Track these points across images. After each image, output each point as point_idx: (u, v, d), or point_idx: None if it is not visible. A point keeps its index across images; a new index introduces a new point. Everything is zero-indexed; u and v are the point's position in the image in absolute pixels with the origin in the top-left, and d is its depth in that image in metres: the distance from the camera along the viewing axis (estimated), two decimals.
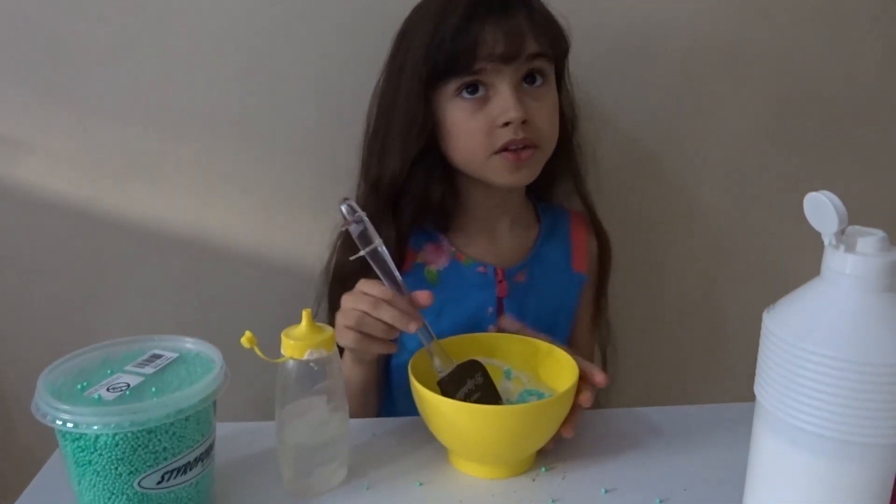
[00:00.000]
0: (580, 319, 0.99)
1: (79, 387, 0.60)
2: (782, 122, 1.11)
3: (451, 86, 0.82)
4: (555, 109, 0.86)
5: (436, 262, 0.91)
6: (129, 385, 0.61)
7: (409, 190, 0.86)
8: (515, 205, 0.94)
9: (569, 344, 0.95)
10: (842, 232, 0.45)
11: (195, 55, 1.01)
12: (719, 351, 1.21)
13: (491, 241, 0.93)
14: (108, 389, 0.60)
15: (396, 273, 0.72)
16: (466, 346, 0.79)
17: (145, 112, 1.03)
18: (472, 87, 0.82)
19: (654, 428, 0.79)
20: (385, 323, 0.71)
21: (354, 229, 0.71)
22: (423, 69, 0.81)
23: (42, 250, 1.07)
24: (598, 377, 0.73)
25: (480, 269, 0.91)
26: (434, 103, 0.84)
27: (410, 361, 0.73)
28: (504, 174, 0.84)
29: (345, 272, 0.86)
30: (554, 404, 0.69)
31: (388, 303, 0.71)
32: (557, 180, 0.95)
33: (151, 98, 1.02)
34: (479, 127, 0.82)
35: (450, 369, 0.75)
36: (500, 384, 0.78)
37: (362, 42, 0.98)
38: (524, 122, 0.81)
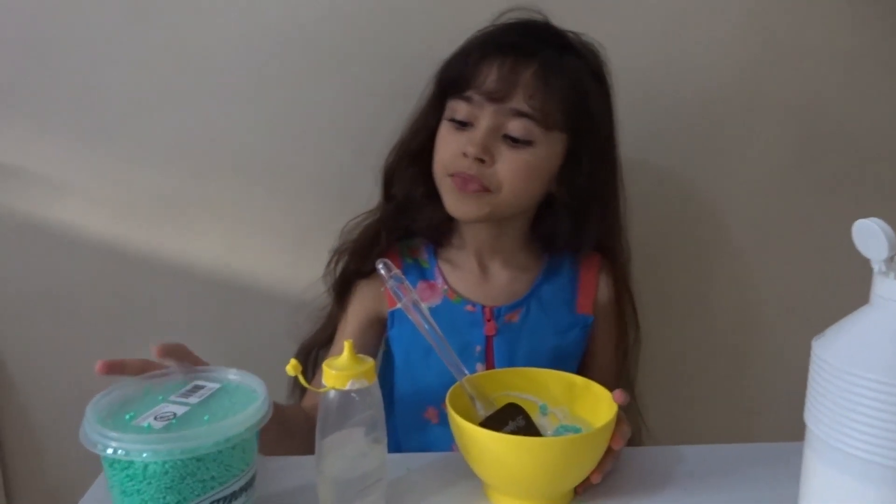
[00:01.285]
0: (599, 360, 0.99)
1: (127, 416, 0.61)
2: (804, 162, 1.13)
3: (449, 106, 0.87)
4: (529, 170, 0.84)
5: (429, 299, 0.93)
6: (175, 414, 0.61)
7: (415, 206, 0.91)
8: (508, 245, 0.94)
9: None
10: (891, 259, 0.46)
11: (225, 98, 1.05)
12: (748, 389, 1.21)
13: (483, 279, 0.94)
14: (155, 418, 0.60)
15: (432, 324, 0.74)
16: (501, 380, 0.79)
17: (177, 154, 1.06)
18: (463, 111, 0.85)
19: (689, 466, 0.78)
20: None
21: (392, 285, 0.73)
22: (435, 83, 0.88)
23: (77, 290, 1.09)
24: (618, 395, 0.73)
25: (469, 307, 0.92)
26: (440, 118, 0.89)
27: (448, 395, 0.73)
28: (451, 199, 0.87)
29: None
30: (596, 436, 0.69)
31: None
32: (564, 236, 0.93)
33: (183, 140, 1.06)
34: (449, 147, 0.86)
35: (491, 411, 0.75)
36: (536, 419, 0.78)
37: (392, 85, 1.01)
38: (483, 160, 0.83)
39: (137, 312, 1.11)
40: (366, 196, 0.98)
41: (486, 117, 0.83)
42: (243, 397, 0.65)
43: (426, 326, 0.74)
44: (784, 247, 1.15)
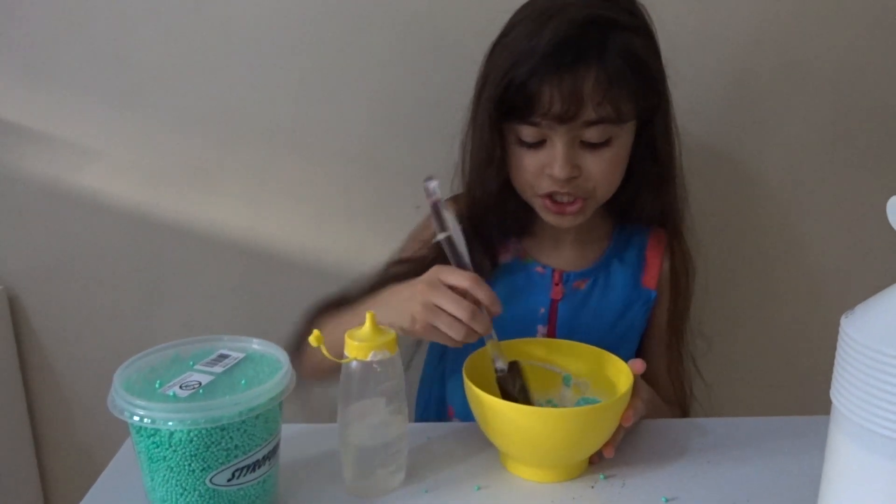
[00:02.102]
0: (656, 337, 0.97)
1: (157, 385, 0.62)
2: (841, 133, 1.10)
3: (513, 129, 0.83)
4: (615, 164, 0.83)
5: (501, 255, 0.93)
6: (200, 383, 0.62)
7: (494, 204, 0.88)
8: (582, 226, 0.93)
9: (653, 361, 0.94)
10: None
11: (253, 67, 1.04)
12: (783, 362, 1.19)
13: (555, 245, 0.94)
14: (181, 387, 0.61)
15: (467, 261, 0.73)
16: (526, 349, 0.79)
17: (204, 122, 1.06)
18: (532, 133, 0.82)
19: (715, 438, 0.78)
20: (462, 326, 0.71)
21: (434, 208, 0.72)
22: (491, 107, 0.82)
23: (104, 256, 1.11)
24: (635, 364, 0.73)
25: (539, 269, 0.92)
26: (505, 129, 0.84)
27: (465, 364, 0.74)
28: (548, 216, 0.86)
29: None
30: (607, 408, 0.69)
31: (472, 311, 0.70)
32: (644, 208, 0.92)
33: (210, 108, 1.06)
34: (529, 167, 0.83)
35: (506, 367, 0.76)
36: (560, 391, 0.79)
37: (416, 53, 1.00)
38: (574, 178, 0.81)
39: (164, 278, 1.12)
40: (390, 163, 0.98)
41: (559, 136, 0.80)
42: (267, 367, 0.66)
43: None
44: (817, 220, 1.13)
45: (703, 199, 1.11)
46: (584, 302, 0.92)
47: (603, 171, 0.82)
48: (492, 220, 0.89)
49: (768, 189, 1.12)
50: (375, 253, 1.01)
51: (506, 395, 0.75)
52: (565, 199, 0.83)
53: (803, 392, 1.16)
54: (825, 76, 1.07)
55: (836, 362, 0.50)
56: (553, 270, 0.92)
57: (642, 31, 0.82)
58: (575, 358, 0.79)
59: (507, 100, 0.80)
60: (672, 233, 0.95)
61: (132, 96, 1.05)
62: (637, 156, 0.86)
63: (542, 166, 0.82)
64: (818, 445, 0.53)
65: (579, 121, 0.78)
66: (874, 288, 0.50)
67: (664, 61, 0.84)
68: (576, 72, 0.77)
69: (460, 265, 0.73)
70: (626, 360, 0.78)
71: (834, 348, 0.50)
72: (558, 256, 0.94)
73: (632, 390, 0.71)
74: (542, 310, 0.91)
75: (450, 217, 0.72)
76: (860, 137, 1.10)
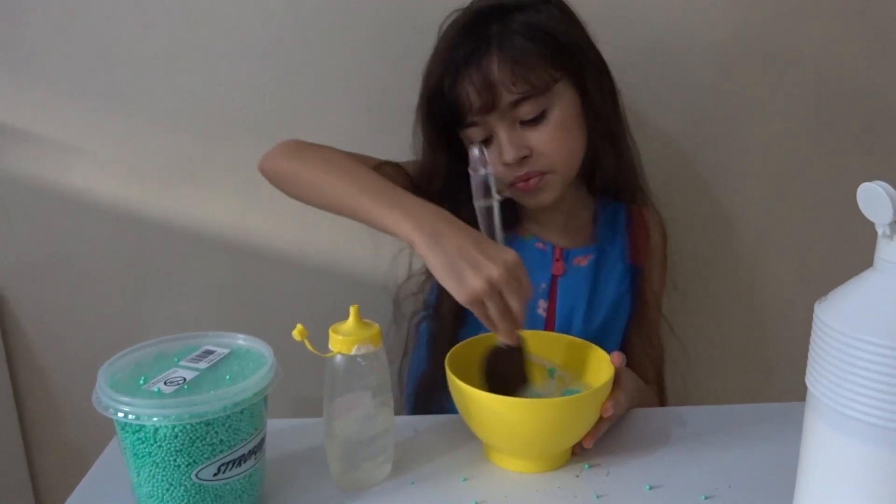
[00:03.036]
0: (641, 311, 0.99)
1: (141, 381, 0.62)
2: (822, 120, 1.10)
3: (464, 137, 0.87)
4: (561, 131, 0.85)
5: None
6: (185, 379, 0.62)
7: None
8: (569, 203, 0.95)
9: (640, 336, 0.98)
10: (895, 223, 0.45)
11: (239, 63, 1.04)
12: (760, 350, 1.21)
13: (552, 222, 0.96)
14: (165, 383, 0.61)
15: (500, 235, 0.74)
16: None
17: (191, 118, 1.06)
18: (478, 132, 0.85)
19: (697, 427, 0.79)
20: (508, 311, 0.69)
21: (475, 178, 0.73)
22: (428, 124, 0.88)
23: (91, 253, 1.11)
24: (615, 357, 0.74)
25: (539, 244, 0.94)
26: (463, 137, 0.88)
27: (448, 357, 0.74)
28: (524, 200, 0.90)
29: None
30: (586, 399, 0.69)
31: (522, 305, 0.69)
32: (610, 177, 0.95)
33: (197, 104, 1.05)
34: (491, 162, 0.84)
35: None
36: (545, 383, 0.79)
37: (404, 44, 1.00)
38: (525, 157, 0.84)
39: (151, 275, 1.12)
40: (376, 154, 0.97)
41: (497, 125, 0.84)
42: (252, 362, 0.66)
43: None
44: (796, 208, 1.14)
45: (684, 190, 1.12)
46: (583, 279, 0.93)
47: (549, 141, 0.85)
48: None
49: (745, 179, 1.13)
50: (364, 250, 1.01)
51: (499, 375, 0.75)
52: (526, 178, 0.86)
53: (780, 380, 1.17)
54: (806, 68, 1.08)
55: (810, 348, 0.51)
56: (554, 247, 0.94)
57: (545, 6, 0.85)
58: (560, 350, 0.80)
59: (439, 112, 0.85)
60: (637, 207, 0.97)
61: (118, 93, 1.04)
62: (586, 116, 0.89)
63: (499, 158, 0.85)
64: (795, 431, 0.54)
65: (503, 104, 0.82)
66: (852, 274, 0.51)
67: (585, 25, 0.88)
68: (479, 63, 0.81)
69: (491, 235, 0.73)
70: (618, 335, 0.79)
71: (809, 335, 0.51)
72: (554, 233, 0.95)
73: (614, 382, 0.72)
74: (543, 285, 0.93)
75: (494, 188, 0.73)
76: (839, 125, 1.11)
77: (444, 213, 0.70)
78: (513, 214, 0.94)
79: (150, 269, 1.11)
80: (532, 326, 0.81)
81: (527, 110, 0.83)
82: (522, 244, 0.94)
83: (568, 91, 0.86)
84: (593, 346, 0.78)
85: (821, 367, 0.49)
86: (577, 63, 0.86)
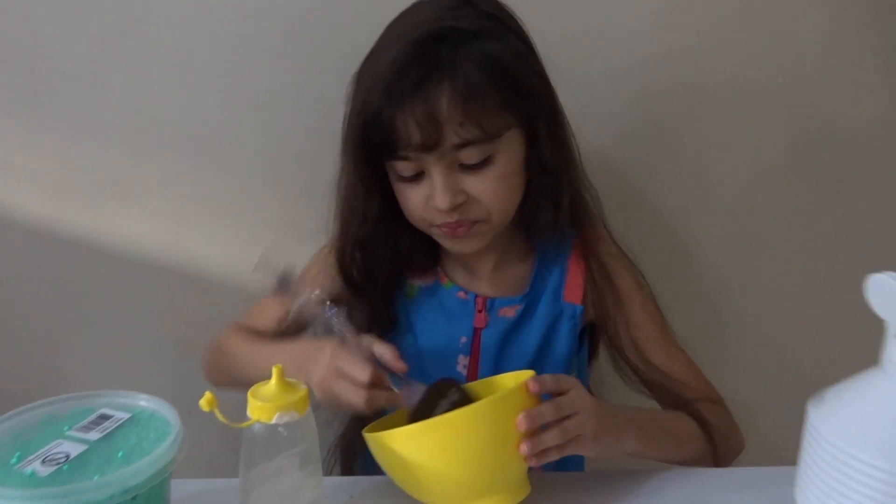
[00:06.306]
0: (647, 349, 0.86)
1: (14, 459, 0.52)
2: (794, 159, 1.03)
3: (389, 167, 0.77)
4: (503, 181, 0.77)
5: (421, 278, 0.86)
6: (68, 456, 0.53)
7: (379, 244, 0.81)
8: (503, 241, 0.86)
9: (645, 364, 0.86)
10: None
11: (175, 71, 0.96)
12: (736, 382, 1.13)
13: (476, 272, 0.87)
14: (43, 461, 0.52)
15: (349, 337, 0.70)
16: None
17: (120, 128, 0.98)
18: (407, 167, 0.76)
19: (656, 494, 0.71)
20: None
21: (327, 321, 0.70)
22: (355, 148, 0.77)
23: (8, 274, 1.01)
24: (532, 383, 0.64)
25: (461, 294, 0.85)
26: (386, 166, 0.78)
27: (367, 429, 0.66)
28: (448, 244, 0.81)
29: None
30: (490, 405, 0.61)
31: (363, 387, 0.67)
32: (543, 221, 0.84)
33: (128, 114, 0.97)
34: (415, 203, 0.77)
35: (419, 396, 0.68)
36: None
37: (352, 60, 0.91)
38: (460, 203, 0.75)
39: (77, 299, 1.03)
40: (322, 175, 0.89)
41: (433, 165, 0.74)
42: (154, 431, 0.57)
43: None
44: (770, 247, 1.06)
45: (650, 228, 1.04)
46: (511, 331, 0.84)
47: (489, 191, 0.76)
48: (382, 260, 0.82)
49: (717, 216, 1.05)
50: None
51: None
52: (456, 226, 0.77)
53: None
54: (777, 97, 1.01)
55: (800, 456, 0.43)
56: (476, 296, 0.85)
57: (503, 35, 0.75)
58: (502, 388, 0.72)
59: (367, 138, 0.74)
60: (585, 239, 0.87)
61: (39, 99, 0.95)
62: (530, 165, 0.79)
63: (427, 198, 0.76)
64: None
65: (446, 145, 0.72)
66: (830, 315, 0.43)
67: (545, 61, 0.78)
68: (426, 94, 0.70)
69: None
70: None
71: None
72: (480, 281, 0.86)
73: (530, 389, 0.63)
74: (464, 339, 0.84)
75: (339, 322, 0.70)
76: (814, 161, 1.03)
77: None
78: (431, 257, 0.86)
79: (75, 292, 1.02)
80: None
81: (470, 155, 0.73)
82: (442, 293, 0.85)
83: (517, 138, 0.77)
84: (520, 374, 0.70)
85: (811, 481, 0.41)
86: (534, 109, 0.77)
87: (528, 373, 0.68)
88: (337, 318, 0.70)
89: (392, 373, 0.68)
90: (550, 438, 0.63)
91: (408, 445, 0.61)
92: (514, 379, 0.71)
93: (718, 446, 0.80)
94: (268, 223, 1.01)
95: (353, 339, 0.69)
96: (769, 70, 0.99)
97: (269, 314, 0.88)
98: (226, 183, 1.00)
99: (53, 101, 0.96)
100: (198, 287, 1.02)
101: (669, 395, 0.86)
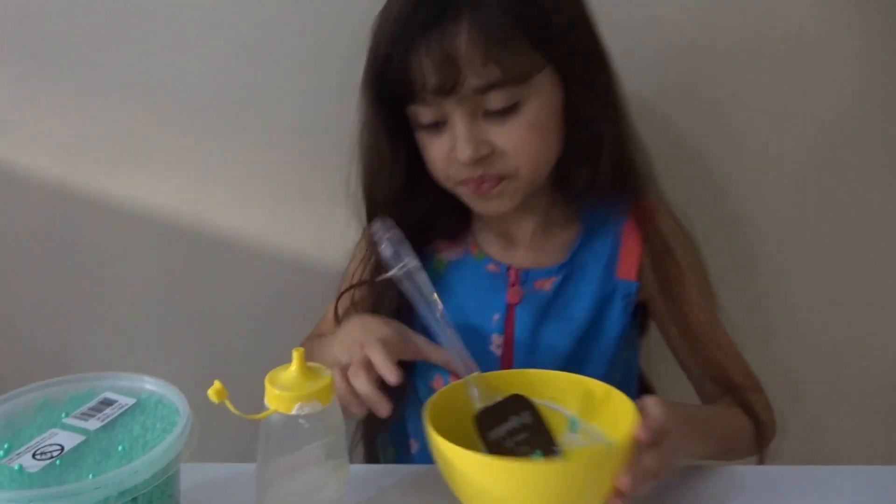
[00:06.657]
0: (690, 334, 0.79)
1: (3, 449, 0.47)
2: (850, 125, 0.93)
3: (409, 113, 0.71)
4: (532, 131, 0.69)
5: (448, 250, 0.80)
6: (62, 449, 0.47)
7: (405, 206, 0.75)
8: (543, 204, 0.78)
9: (691, 356, 0.80)
10: None
11: (189, 30, 0.91)
12: (777, 363, 1.04)
13: (510, 240, 0.79)
14: (34, 455, 0.46)
15: (434, 299, 0.63)
16: (516, 383, 0.64)
17: (137, 87, 0.92)
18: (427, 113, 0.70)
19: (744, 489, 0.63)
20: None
21: (385, 249, 0.64)
22: (372, 92, 0.71)
23: (21, 238, 0.96)
24: (643, 434, 0.55)
25: (491, 266, 0.78)
26: (405, 118, 0.72)
27: (428, 404, 0.59)
28: (475, 203, 0.75)
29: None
30: (589, 467, 0.54)
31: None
32: (579, 182, 0.76)
33: (142, 75, 0.92)
34: (438, 156, 0.72)
35: (491, 403, 0.61)
36: (564, 437, 0.63)
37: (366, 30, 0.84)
38: (485, 156, 0.69)
39: (86, 267, 0.98)
40: (341, 138, 0.82)
41: (455, 111, 0.68)
42: (161, 420, 0.51)
43: (423, 305, 0.63)
44: (817, 216, 0.97)
45: (695, 193, 0.95)
46: (549, 306, 0.76)
47: (517, 142, 0.68)
48: (409, 224, 0.72)
49: (767, 184, 0.96)
50: (337, 240, 0.87)
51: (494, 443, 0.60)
52: (481, 182, 0.71)
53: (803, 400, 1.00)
54: (836, 67, 0.91)
55: None
56: (508, 268, 0.77)
57: None
58: (579, 395, 0.64)
59: (381, 81, 0.69)
60: (642, 207, 0.78)
61: (50, 59, 0.90)
62: (567, 124, 0.72)
63: (450, 151, 0.70)
64: None
65: (466, 89, 0.65)
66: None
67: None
68: (442, 31, 0.64)
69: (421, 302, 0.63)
70: (601, 372, 0.65)
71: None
72: (517, 250, 0.78)
73: (653, 438, 0.55)
74: (497, 316, 0.76)
75: (407, 251, 0.63)
76: (871, 133, 0.93)
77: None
78: (460, 222, 0.79)
79: (84, 260, 0.97)
80: (485, 366, 0.65)
81: (495, 99, 0.67)
82: (472, 265, 0.79)
83: (550, 83, 0.69)
84: (616, 391, 0.61)
85: None
86: (568, 50, 0.68)
87: (585, 379, 0.63)
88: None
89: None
90: (646, 488, 0.56)
91: (484, 473, 0.54)
92: (567, 381, 0.64)
93: (765, 440, 0.76)
94: (288, 186, 0.95)
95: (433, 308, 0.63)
96: (836, 27, 0.89)
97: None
98: (250, 147, 0.94)
99: (63, 60, 0.91)
100: (219, 257, 0.97)
101: (713, 382, 0.79)
